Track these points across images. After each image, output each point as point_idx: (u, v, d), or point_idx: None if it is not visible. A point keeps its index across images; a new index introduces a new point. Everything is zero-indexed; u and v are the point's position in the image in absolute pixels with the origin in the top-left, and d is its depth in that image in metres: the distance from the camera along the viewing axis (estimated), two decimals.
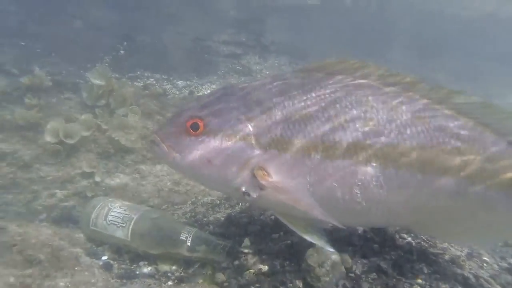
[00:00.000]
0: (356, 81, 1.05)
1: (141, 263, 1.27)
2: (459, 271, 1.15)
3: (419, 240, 1.29)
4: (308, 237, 1.01)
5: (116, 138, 2.04)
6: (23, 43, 2.65)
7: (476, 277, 1.15)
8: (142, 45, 3.24)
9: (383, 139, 0.97)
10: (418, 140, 0.98)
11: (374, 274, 1.08)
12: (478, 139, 0.99)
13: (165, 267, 1.24)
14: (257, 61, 3.78)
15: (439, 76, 5.38)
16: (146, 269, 1.24)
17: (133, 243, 1.27)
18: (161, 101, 2.46)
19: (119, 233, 1.28)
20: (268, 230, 1.30)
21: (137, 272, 1.22)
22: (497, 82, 5.68)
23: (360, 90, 1.03)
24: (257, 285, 1.07)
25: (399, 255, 1.16)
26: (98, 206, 1.37)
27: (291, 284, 1.05)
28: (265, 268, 1.11)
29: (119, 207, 1.34)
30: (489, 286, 1.13)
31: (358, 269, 1.10)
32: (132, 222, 1.27)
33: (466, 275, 1.13)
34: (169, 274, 1.21)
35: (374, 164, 0.97)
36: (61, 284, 0.96)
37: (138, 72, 2.91)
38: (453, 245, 1.28)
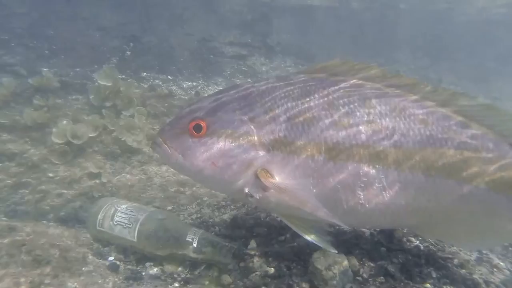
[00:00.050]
0: (359, 83, 1.05)
1: (147, 264, 1.27)
2: (468, 276, 1.14)
3: (427, 244, 1.27)
4: (310, 238, 1.01)
5: (122, 139, 2.05)
6: (32, 45, 2.68)
7: (487, 282, 1.13)
8: (149, 46, 3.25)
9: (385, 141, 0.98)
10: (421, 142, 0.98)
11: (382, 277, 1.07)
12: (481, 141, 0.99)
13: (171, 268, 1.24)
14: (263, 62, 3.78)
15: (447, 77, 5.33)
16: (152, 270, 1.24)
17: (139, 244, 1.27)
18: (167, 102, 2.47)
19: (126, 234, 1.28)
20: (274, 232, 1.30)
21: (143, 273, 1.22)
22: (507, 83, 5.61)
23: (363, 91, 1.03)
24: (263, 287, 1.06)
25: (407, 258, 1.15)
26: (105, 206, 1.37)
27: (297, 287, 1.04)
28: (271, 270, 1.11)
29: (126, 208, 1.35)
30: None
31: (365, 272, 1.09)
32: (139, 223, 1.28)
33: (476, 280, 1.12)
34: (175, 276, 1.21)
35: (377, 166, 0.97)
36: (69, 284, 0.97)
37: (145, 73, 2.92)
38: (461, 249, 1.26)
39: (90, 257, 1.24)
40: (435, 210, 1.01)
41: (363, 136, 0.97)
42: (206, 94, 2.81)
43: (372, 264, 1.11)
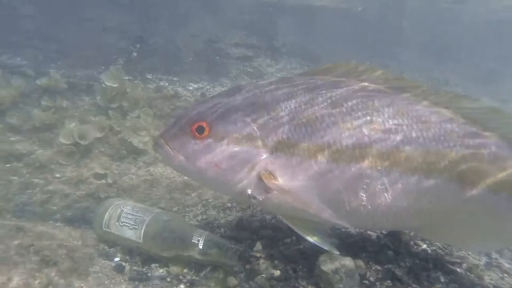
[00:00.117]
0: (362, 85, 1.05)
1: (153, 265, 1.27)
2: (477, 281, 1.12)
3: (434, 248, 1.26)
4: (313, 240, 1.01)
5: (128, 140, 2.06)
6: (40, 46, 2.71)
7: None
8: (155, 48, 3.27)
9: (388, 142, 0.98)
10: (423, 144, 0.98)
11: (389, 281, 1.06)
12: (483, 144, 0.99)
13: (176, 270, 1.24)
14: (269, 64, 3.77)
15: (454, 78, 5.28)
16: (158, 272, 1.24)
17: (145, 245, 1.27)
18: (173, 103, 2.47)
19: (132, 235, 1.28)
20: (280, 234, 1.29)
21: (149, 275, 1.22)
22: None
23: (365, 93, 1.03)
24: None
25: (414, 262, 1.14)
26: (111, 207, 1.38)
27: None
28: (277, 273, 1.10)
29: (132, 209, 1.35)
30: None
31: (372, 276, 1.08)
32: (145, 224, 1.28)
33: (485, 285, 1.10)
34: (180, 277, 1.21)
35: (379, 168, 0.97)
36: (77, 285, 0.97)
37: (151, 75, 2.94)
38: (470, 253, 1.24)
39: (96, 257, 1.25)
40: (436, 211, 1.01)
41: (366, 138, 0.98)
42: (211, 95, 2.81)
43: (379, 268, 1.10)
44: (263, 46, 3.87)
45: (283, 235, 1.27)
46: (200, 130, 1.01)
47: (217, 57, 3.57)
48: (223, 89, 3.09)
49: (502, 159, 0.98)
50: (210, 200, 1.91)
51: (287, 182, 0.98)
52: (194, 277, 1.21)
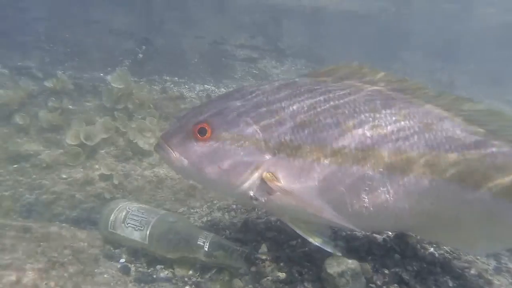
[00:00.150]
0: (364, 86, 1.05)
1: (158, 266, 1.27)
2: (487, 286, 1.11)
3: (442, 252, 1.25)
4: (315, 242, 1.02)
5: (134, 141, 2.07)
6: (48, 48, 2.74)
7: None
8: (160, 49, 3.28)
9: (390, 144, 0.98)
10: (425, 146, 0.98)
11: (396, 285, 1.05)
12: (485, 146, 0.99)
13: (182, 272, 1.24)
14: (274, 65, 3.77)
15: (460, 80, 5.24)
16: (163, 273, 1.24)
17: (150, 247, 1.27)
18: (178, 104, 2.48)
19: (137, 236, 1.29)
20: (285, 236, 1.29)
21: (154, 276, 1.22)
22: None
23: (368, 95, 1.03)
24: None
25: (422, 266, 1.13)
26: (117, 208, 1.38)
27: None
28: (283, 275, 1.10)
29: (137, 210, 1.36)
30: None
31: (379, 279, 1.07)
32: (150, 225, 1.28)
33: None
34: (186, 279, 1.21)
35: (382, 170, 0.97)
36: (83, 287, 0.98)
37: (156, 76, 2.95)
38: (479, 258, 1.23)
39: (102, 258, 1.25)
40: (438, 213, 1.01)
41: (368, 140, 0.98)
42: None
43: (385, 271, 1.10)
44: (268, 47, 3.87)
45: (289, 237, 1.27)
46: (202, 131, 1.01)
47: (223, 59, 3.58)
48: (228, 90, 3.09)
49: (503, 161, 0.98)
50: (215, 202, 1.91)
51: (290, 184, 0.98)
52: (199, 279, 1.21)
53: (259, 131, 1.00)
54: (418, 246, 1.25)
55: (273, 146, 0.99)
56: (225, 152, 1.00)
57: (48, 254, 1.05)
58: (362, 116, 1.00)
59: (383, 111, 1.00)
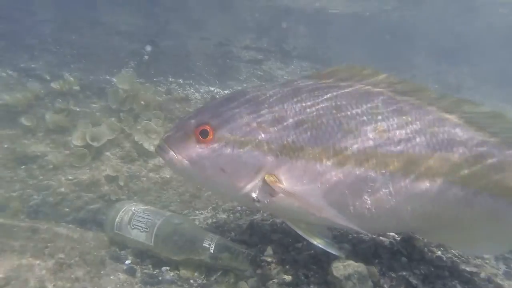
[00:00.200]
0: (366, 88, 1.06)
1: (164, 268, 1.27)
2: None
3: (450, 255, 1.23)
4: (318, 243, 1.01)
5: (139, 142, 2.08)
6: (55, 50, 2.76)
7: None
8: (166, 51, 3.30)
9: (392, 146, 0.98)
10: (427, 148, 0.99)
11: None
12: (486, 148, 1.00)
13: (187, 274, 1.24)
14: (279, 67, 3.77)
15: (467, 82, 5.19)
16: (169, 275, 1.24)
17: (156, 249, 1.27)
18: (183, 105, 2.49)
19: (143, 238, 1.29)
20: (291, 238, 1.28)
21: (160, 278, 1.22)
22: None
23: (370, 97, 1.04)
24: None
25: (429, 270, 1.11)
26: (122, 210, 1.38)
27: None
28: (288, 278, 1.09)
29: (143, 212, 1.36)
30: None
31: (386, 283, 1.06)
32: (156, 227, 1.28)
33: None
34: (191, 281, 1.21)
35: (384, 172, 0.97)
36: None
37: (162, 77, 2.96)
38: (488, 262, 1.21)
39: (108, 260, 1.25)
40: (439, 215, 1.01)
41: (370, 142, 0.98)
42: None
43: (392, 275, 1.09)
44: (273, 49, 3.86)
45: (294, 240, 1.26)
46: (204, 134, 1.00)
47: (228, 60, 3.58)
48: (230, 92, 3.09)
49: (504, 164, 0.99)
50: (220, 203, 1.91)
51: (292, 185, 0.98)
52: (204, 281, 1.21)
53: (261, 133, 0.99)
54: (425, 249, 1.24)
55: (275, 148, 0.99)
56: (227, 154, 0.99)
57: (56, 256, 1.06)
58: (364, 117, 1.00)
59: (385, 113, 1.01)
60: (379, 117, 1.00)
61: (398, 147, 0.98)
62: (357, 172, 0.97)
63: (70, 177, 1.90)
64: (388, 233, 1.33)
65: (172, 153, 1.03)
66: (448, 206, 1.00)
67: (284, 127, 0.99)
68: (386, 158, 0.97)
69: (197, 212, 1.87)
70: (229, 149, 0.99)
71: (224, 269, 1.22)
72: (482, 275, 1.14)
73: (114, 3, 3.38)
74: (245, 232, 1.40)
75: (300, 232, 1.03)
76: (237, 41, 3.74)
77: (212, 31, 3.69)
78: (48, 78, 2.41)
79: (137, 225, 1.31)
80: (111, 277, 1.12)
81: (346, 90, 1.04)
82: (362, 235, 1.29)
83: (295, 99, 1.02)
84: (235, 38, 3.75)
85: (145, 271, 1.26)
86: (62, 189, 1.86)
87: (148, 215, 1.33)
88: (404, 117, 1.00)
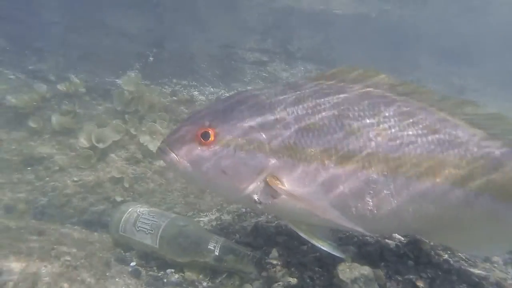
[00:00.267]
0: (368, 90, 1.06)
1: (168, 270, 1.27)
2: None
3: (457, 259, 1.22)
4: (319, 244, 1.01)
5: (144, 144, 2.08)
6: (61, 51, 2.79)
7: None
8: (171, 52, 3.31)
9: (394, 148, 0.98)
10: (428, 150, 0.99)
11: None
12: (487, 150, 1.00)
13: (192, 276, 1.24)
14: (284, 68, 3.77)
15: (473, 83, 5.15)
16: (174, 277, 1.24)
17: (161, 251, 1.27)
18: (188, 107, 2.49)
19: (148, 240, 1.29)
20: (296, 241, 1.27)
21: (165, 280, 1.22)
22: None
23: (372, 99, 1.04)
24: None
25: (437, 273, 1.10)
26: (127, 212, 1.39)
27: None
28: (294, 281, 1.09)
29: (148, 213, 1.36)
30: None
31: (392, 286, 1.05)
32: (161, 229, 1.28)
33: None
34: (196, 283, 1.21)
35: (386, 173, 0.97)
36: None
37: (166, 79, 2.97)
38: (496, 266, 1.20)
39: (113, 262, 1.25)
40: (441, 216, 1.01)
41: (372, 144, 0.98)
42: None
43: (399, 278, 1.08)
44: (278, 50, 3.86)
45: (299, 242, 1.26)
46: (205, 136, 1.00)
47: (232, 62, 3.58)
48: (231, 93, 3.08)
49: (505, 165, 0.99)
50: (224, 205, 1.91)
51: (294, 187, 0.98)
52: (209, 283, 1.20)
53: (263, 135, 0.99)
54: (432, 252, 1.22)
55: (277, 149, 0.98)
56: (229, 156, 0.99)
57: (62, 258, 1.06)
58: (367, 119, 1.00)
59: (387, 115, 1.01)
60: (381, 119, 1.00)
61: (400, 149, 0.98)
62: (359, 174, 0.97)
63: (75, 179, 1.91)
64: (394, 236, 1.32)
65: (173, 155, 1.03)
66: (449, 207, 1.00)
67: (286, 129, 0.99)
68: (388, 159, 0.98)
69: (201, 214, 1.87)
70: (231, 151, 0.99)
71: (229, 271, 1.22)
72: (491, 279, 1.13)
73: (120, 5, 3.41)
74: (250, 234, 1.39)
75: (301, 234, 1.03)
76: (241, 42, 3.75)
77: (217, 32, 3.69)
78: (54, 79, 2.44)
79: (142, 227, 1.32)
80: (117, 279, 1.12)
81: (348, 92, 1.04)
82: (368, 237, 1.28)
83: (297, 101, 1.02)
84: (240, 39, 3.75)
85: (150, 273, 1.26)
86: (68, 191, 1.87)
87: (153, 217, 1.34)
88: (405, 119, 1.01)
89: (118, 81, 2.48)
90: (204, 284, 1.20)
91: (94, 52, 2.93)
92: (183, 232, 1.26)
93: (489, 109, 1.04)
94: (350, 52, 4.22)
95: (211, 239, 1.24)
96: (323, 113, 1.00)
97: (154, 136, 2.13)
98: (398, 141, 0.98)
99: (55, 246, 1.11)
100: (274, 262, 1.15)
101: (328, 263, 1.12)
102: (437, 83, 4.75)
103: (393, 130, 0.99)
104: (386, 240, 1.30)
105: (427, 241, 1.22)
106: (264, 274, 1.14)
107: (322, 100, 1.02)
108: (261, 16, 4.02)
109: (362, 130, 0.99)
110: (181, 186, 2.02)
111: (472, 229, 1.03)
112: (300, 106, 1.01)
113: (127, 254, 1.35)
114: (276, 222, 1.48)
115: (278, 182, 0.98)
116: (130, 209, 1.40)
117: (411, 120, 1.01)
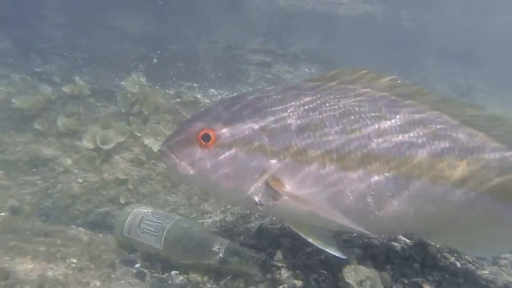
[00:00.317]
0: (369, 91, 1.06)
1: (173, 272, 1.27)
2: None
3: (464, 261, 1.20)
4: (321, 246, 1.01)
5: (148, 146, 2.09)
6: (66, 54, 2.81)
7: None
8: (175, 54, 3.32)
9: (395, 149, 0.98)
10: (429, 151, 0.99)
11: None
12: (488, 151, 1.00)
13: (196, 278, 1.23)
14: (287, 70, 3.77)
15: (477, 84, 5.12)
16: (178, 279, 1.24)
17: (165, 252, 1.27)
18: (192, 109, 2.50)
19: (152, 242, 1.29)
20: (300, 243, 1.27)
21: (169, 282, 1.22)
22: None
23: (373, 100, 1.04)
24: None
25: (443, 276, 1.09)
26: (132, 213, 1.39)
27: None
28: (299, 283, 1.08)
29: (152, 215, 1.36)
30: None
31: None
32: (165, 231, 1.28)
33: None
34: (200, 285, 1.20)
35: (387, 174, 0.97)
36: None
37: (170, 81, 2.99)
38: (504, 269, 1.18)
39: (118, 263, 1.25)
40: (442, 216, 1.01)
41: (373, 145, 0.98)
42: None
43: (405, 281, 1.07)
44: (281, 52, 3.87)
45: (304, 244, 1.25)
46: (206, 138, 1.00)
47: (236, 63, 3.59)
48: (233, 95, 3.09)
49: (505, 166, 0.99)
50: (228, 207, 1.90)
51: (296, 188, 0.98)
52: (214, 286, 1.20)
53: (264, 137, 0.99)
54: (439, 255, 1.21)
55: (278, 151, 0.98)
56: (230, 158, 0.99)
57: (67, 260, 1.07)
58: (367, 120, 1.00)
59: (388, 116, 1.01)
60: (382, 120, 1.00)
61: (401, 150, 0.98)
62: (361, 175, 0.97)
63: (80, 180, 1.92)
64: (400, 238, 1.31)
65: (174, 158, 1.02)
66: (450, 208, 1.00)
67: (287, 130, 0.99)
68: (389, 161, 0.98)
69: (205, 215, 1.87)
70: (232, 153, 0.99)
71: (234, 273, 1.21)
72: (499, 282, 1.11)
73: (124, 7, 3.43)
74: (254, 236, 1.39)
75: (302, 235, 1.03)
76: (246, 44, 3.75)
77: (221, 34, 3.71)
78: (59, 82, 2.46)
79: (146, 229, 1.31)
80: (121, 281, 1.12)
81: (349, 93, 1.04)
82: (373, 239, 1.28)
83: (298, 102, 1.02)
84: (244, 41, 3.76)
85: (155, 275, 1.26)
86: (72, 192, 1.88)
87: (157, 219, 1.33)
88: (406, 120, 1.01)
89: (123, 83, 2.49)
90: (209, 286, 1.20)
91: (98, 54, 2.95)
92: (188, 234, 1.26)
93: (489, 111, 1.04)
94: (355, 54, 4.21)
95: (215, 241, 1.24)
96: (324, 115, 1.00)
97: (158, 138, 2.13)
98: (398, 143, 0.98)
99: (60, 248, 1.12)
100: (279, 264, 1.15)
101: (333, 266, 1.11)
102: (443, 84, 4.73)
103: (393, 132, 0.99)
104: (392, 243, 1.29)
105: (433, 243, 1.20)
106: (268, 276, 1.13)
107: (323, 101, 1.02)
108: (265, 17, 4.03)
109: (363, 131, 0.99)
110: (185, 187, 2.02)
111: (472, 229, 1.03)
112: (301, 108, 1.01)
113: (131, 255, 1.35)
114: (280, 224, 1.48)
115: (280, 183, 0.98)
116: (134, 211, 1.40)
117: (411, 121, 1.01)
